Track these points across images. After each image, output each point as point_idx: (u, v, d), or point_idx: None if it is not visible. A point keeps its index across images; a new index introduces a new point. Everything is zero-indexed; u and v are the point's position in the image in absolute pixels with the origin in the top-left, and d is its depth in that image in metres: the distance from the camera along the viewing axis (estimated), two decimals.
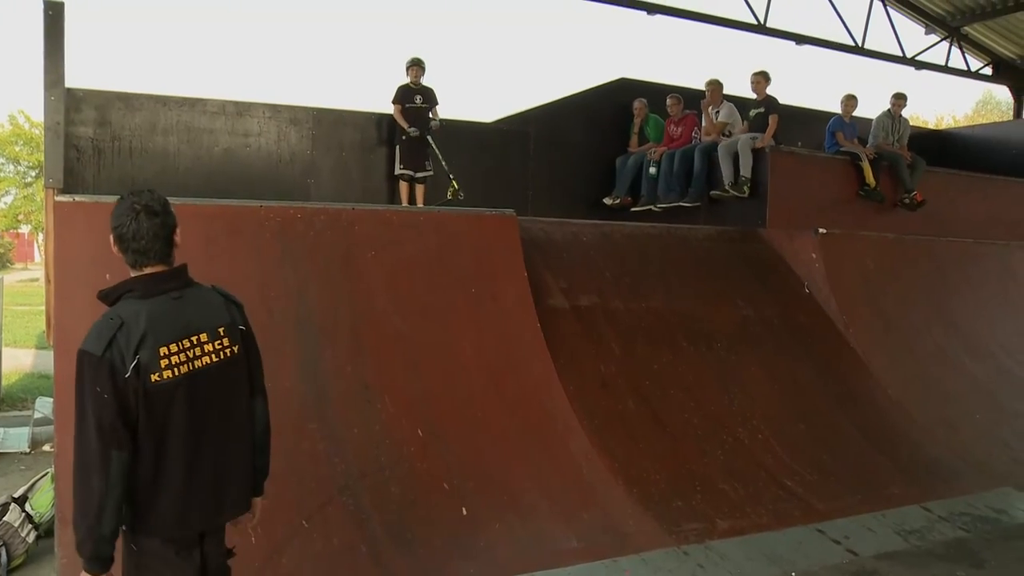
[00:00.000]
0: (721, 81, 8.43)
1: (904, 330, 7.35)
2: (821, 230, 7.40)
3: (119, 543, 2.26)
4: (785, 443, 5.59)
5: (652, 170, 8.47)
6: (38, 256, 37.06)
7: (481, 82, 65.97)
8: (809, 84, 51.00)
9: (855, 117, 8.94)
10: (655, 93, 8.96)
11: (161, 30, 66.19)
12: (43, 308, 5.76)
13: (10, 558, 4.44)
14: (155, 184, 6.70)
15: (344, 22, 76.28)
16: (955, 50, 13.11)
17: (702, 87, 8.57)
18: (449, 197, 7.54)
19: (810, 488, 5.26)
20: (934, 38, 13.04)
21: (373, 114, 8.10)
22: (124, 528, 2.28)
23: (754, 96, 8.25)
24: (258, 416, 2.54)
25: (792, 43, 11.58)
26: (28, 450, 6.55)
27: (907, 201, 8.57)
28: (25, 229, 35.71)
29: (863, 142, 8.78)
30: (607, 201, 8.76)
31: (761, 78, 8.20)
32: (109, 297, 2.28)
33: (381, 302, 5.08)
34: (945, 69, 13.16)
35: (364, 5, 72.58)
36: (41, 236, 30.74)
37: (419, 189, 7.80)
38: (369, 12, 74.06)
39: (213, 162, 7.33)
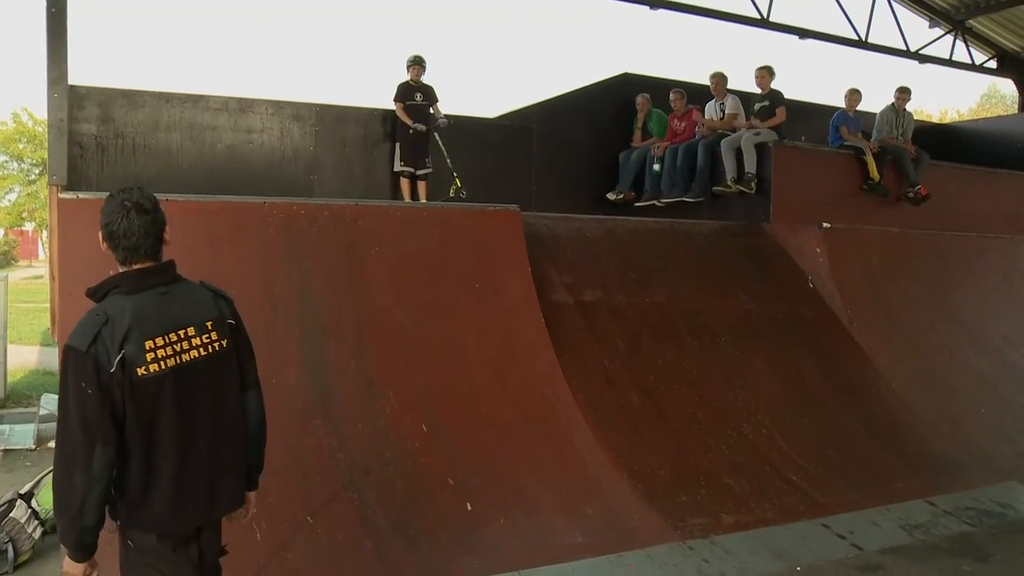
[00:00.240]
0: (725, 74, 8.41)
1: (908, 324, 7.33)
2: (825, 224, 7.37)
3: (116, 540, 2.27)
4: (789, 438, 5.59)
5: (656, 165, 8.45)
6: (42, 253, 37.15)
7: (484, 78, 66.02)
8: (813, 78, 50.89)
9: (859, 111, 8.89)
10: (658, 88, 8.93)
11: (164, 27, 66.25)
12: (48, 305, 5.79)
13: (17, 554, 4.46)
14: (158, 181, 6.82)
15: (348, 19, 76.35)
16: (959, 43, 13.01)
17: (705, 82, 8.55)
18: (451, 195, 7.54)
19: (814, 483, 5.25)
20: (938, 31, 12.94)
21: (376, 110, 8.09)
22: (120, 525, 2.28)
23: (758, 91, 8.23)
24: (252, 410, 2.51)
25: (796, 37, 11.49)
26: (33, 447, 6.58)
27: (911, 195, 8.54)
28: (29, 226, 35.88)
29: (867, 136, 8.75)
30: (611, 196, 8.74)
31: (766, 72, 8.19)
32: (96, 294, 2.28)
33: (385, 298, 5.08)
34: (949, 63, 13.07)
35: (368, 2, 72.53)
36: (45, 233, 30.87)
37: (421, 186, 7.80)
38: (373, 9, 74.00)
39: (216, 159, 7.34)
